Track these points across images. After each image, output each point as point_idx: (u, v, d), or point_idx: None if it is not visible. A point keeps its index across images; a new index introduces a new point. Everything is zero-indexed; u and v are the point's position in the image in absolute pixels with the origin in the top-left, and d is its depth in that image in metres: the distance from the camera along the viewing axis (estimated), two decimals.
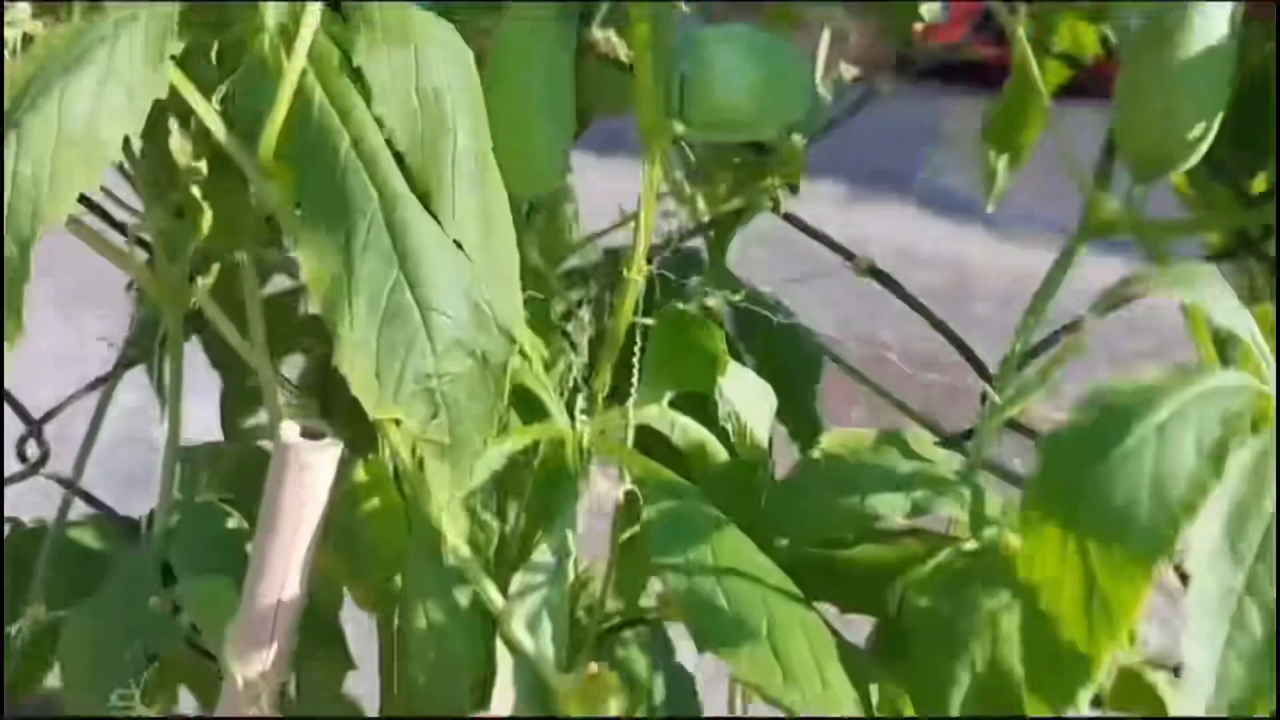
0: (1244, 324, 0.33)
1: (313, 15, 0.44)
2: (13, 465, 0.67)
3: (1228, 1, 0.47)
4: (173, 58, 0.44)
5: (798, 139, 0.54)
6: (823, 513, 0.44)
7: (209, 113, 0.45)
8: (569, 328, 0.57)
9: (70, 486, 0.65)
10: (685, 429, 0.48)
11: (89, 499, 0.65)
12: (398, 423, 0.42)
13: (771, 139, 0.52)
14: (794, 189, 0.55)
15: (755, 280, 0.61)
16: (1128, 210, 0.51)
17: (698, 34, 0.50)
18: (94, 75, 0.41)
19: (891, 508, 0.42)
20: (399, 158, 0.44)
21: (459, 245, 0.44)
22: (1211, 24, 0.47)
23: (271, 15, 0.44)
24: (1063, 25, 0.68)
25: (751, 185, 0.54)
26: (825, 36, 0.60)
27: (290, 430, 0.43)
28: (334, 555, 0.47)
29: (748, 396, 0.49)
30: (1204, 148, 0.49)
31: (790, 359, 0.65)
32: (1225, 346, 0.42)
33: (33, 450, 0.66)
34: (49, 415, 0.67)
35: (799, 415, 0.63)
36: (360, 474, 0.45)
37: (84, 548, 0.66)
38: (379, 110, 0.44)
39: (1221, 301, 0.33)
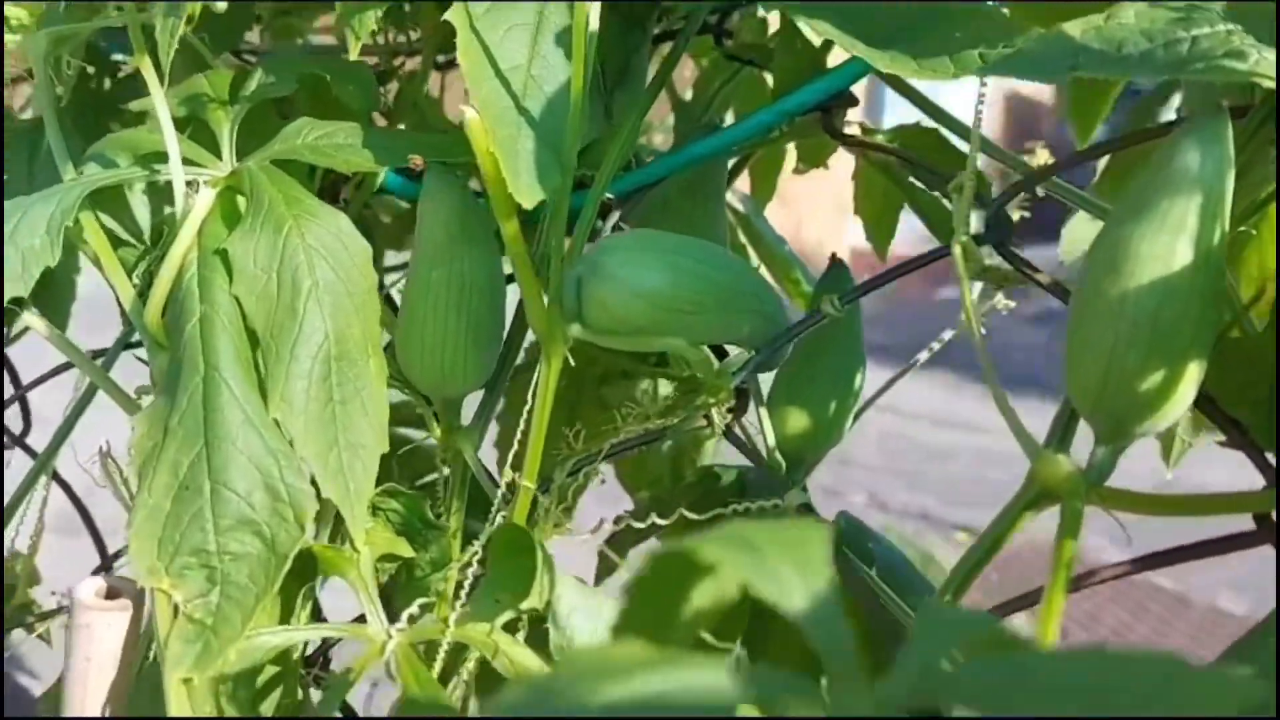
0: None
1: (205, 200, 0.47)
2: None
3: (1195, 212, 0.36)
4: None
5: (736, 357, 0.50)
6: None
7: (121, 281, 0.49)
8: None
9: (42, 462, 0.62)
10: (513, 656, 0.44)
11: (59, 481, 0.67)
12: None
13: (686, 353, 0.48)
14: (732, 411, 0.50)
15: None
16: (1083, 474, 0.41)
17: (601, 240, 0.47)
18: None
19: None
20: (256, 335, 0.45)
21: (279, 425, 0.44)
22: (1169, 243, 0.36)
23: (180, 201, 0.48)
24: None
25: (686, 403, 0.50)
26: None
27: (85, 588, 0.44)
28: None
29: (592, 619, 0.44)
30: (1173, 409, 0.39)
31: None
32: None
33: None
34: (34, 383, 0.68)
35: None
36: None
37: None
38: (237, 290, 0.45)
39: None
